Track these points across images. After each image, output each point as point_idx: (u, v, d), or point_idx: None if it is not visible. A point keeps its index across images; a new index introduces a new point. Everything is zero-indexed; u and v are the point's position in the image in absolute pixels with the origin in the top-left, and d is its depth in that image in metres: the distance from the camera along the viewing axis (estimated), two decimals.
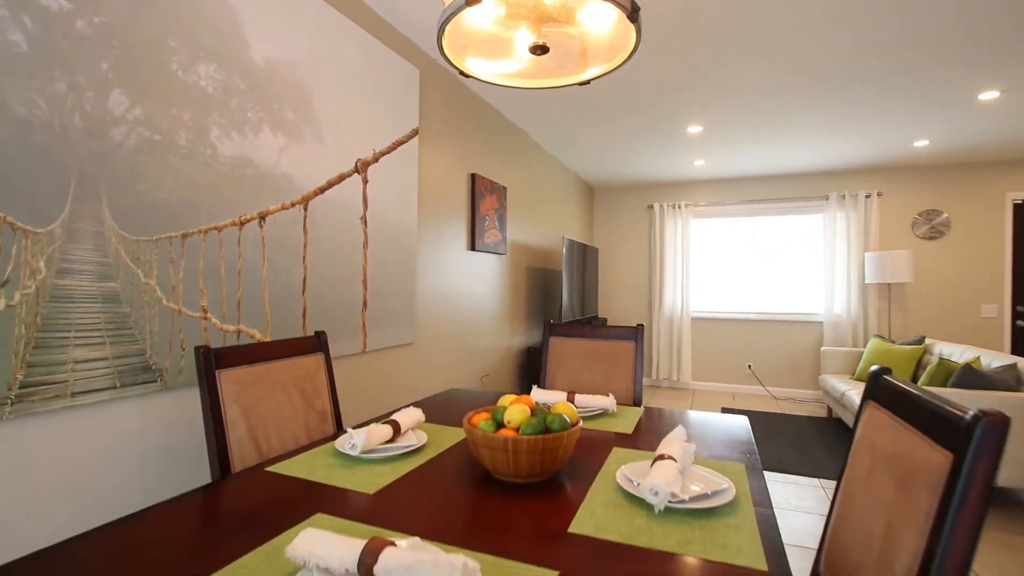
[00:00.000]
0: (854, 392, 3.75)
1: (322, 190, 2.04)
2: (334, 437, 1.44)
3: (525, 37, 1.18)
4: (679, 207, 5.98)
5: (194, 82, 1.55)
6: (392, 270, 2.48)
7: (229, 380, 1.35)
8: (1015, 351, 4.88)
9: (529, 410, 1.14)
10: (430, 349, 2.83)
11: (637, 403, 1.93)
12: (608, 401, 1.64)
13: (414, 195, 2.63)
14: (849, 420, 3.81)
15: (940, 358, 3.30)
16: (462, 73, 1.26)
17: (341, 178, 2.14)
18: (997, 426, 0.62)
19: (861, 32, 2.47)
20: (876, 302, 5.25)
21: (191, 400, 1.56)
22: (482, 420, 1.16)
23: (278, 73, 1.84)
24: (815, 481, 3.10)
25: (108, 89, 1.33)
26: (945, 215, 5.11)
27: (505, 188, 3.70)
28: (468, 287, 3.27)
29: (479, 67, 1.27)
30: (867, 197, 5.32)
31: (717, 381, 5.93)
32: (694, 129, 3.99)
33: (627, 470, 1.11)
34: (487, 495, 1.05)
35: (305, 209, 1.96)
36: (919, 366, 4.08)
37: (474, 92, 3.32)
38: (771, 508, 0.99)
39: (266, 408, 1.43)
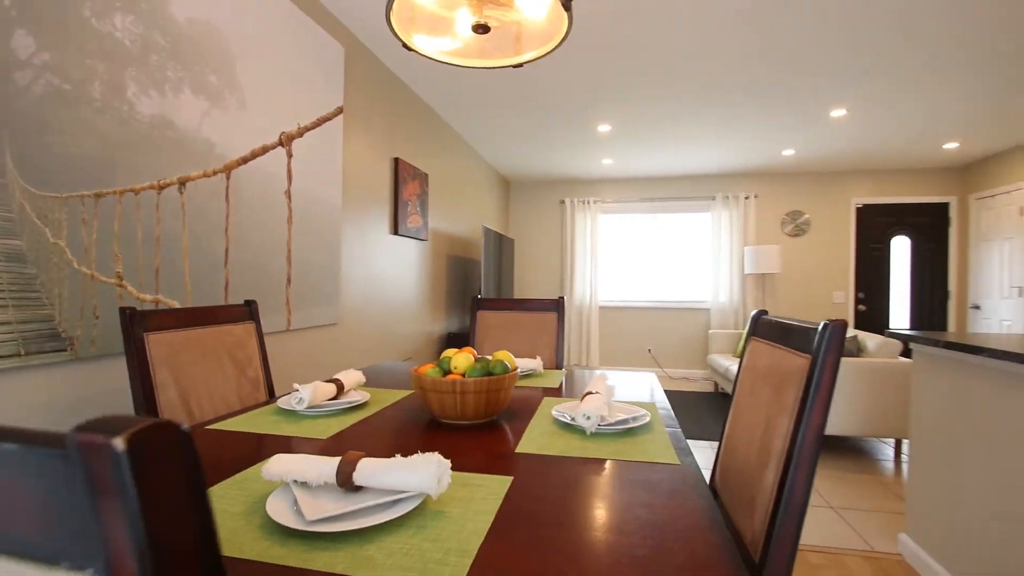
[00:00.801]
0: (735, 367, 4.28)
1: (245, 160, 1.97)
2: (267, 404, 1.44)
3: (466, 17, 1.27)
4: (588, 203, 6.37)
5: (109, 32, 1.45)
6: (316, 248, 2.44)
7: (158, 343, 1.30)
8: (856, 327, 5.82)
9: (473, 358, 1.24)
10: (354, 331, 2.82)
11: (560, 368, 2.10)
12: (536, 363, 1.78)
13: (338, 174, 2.60)
14: (730, 389, 4.34)
15: None
16: (406, 46, 1.32)
17: (265, 150, 2.08)
18: (839, 328, 0.84)
19: (742, 62, 2.86)
20: (753, 290, 5.99)
21: (106, 371, 1.46)
22: (429, 369, 1.24)
23: (201, 33, 1.76)
24: (706, 443, 3.51)
25: (11, 28, 1.23)
26: (807, 216, 5.95)
27: (427, 175, 3.75)
28: (391, 271, 3.28)
29: (421, 43, 1.34)
30: (746, 198, 6.04)
31: (621, 365, 6.39)
32: (604, 128, 4.31)
33: (560, 408, 1.25)
34: (436, 436, 1.14)
35: (228, 178, 1.89)
36: None
37: (398, 77, 3.33)
38: (679, 428, 1.19)
39: (198, 373, 1.39)
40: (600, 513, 0.76)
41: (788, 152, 5.05)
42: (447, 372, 1.23)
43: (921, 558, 1.90)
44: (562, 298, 2.17)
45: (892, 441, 3.54)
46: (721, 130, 4.32)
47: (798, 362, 0.90)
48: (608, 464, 0.96)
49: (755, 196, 6.02)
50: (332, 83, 2.53)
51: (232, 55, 1.91)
